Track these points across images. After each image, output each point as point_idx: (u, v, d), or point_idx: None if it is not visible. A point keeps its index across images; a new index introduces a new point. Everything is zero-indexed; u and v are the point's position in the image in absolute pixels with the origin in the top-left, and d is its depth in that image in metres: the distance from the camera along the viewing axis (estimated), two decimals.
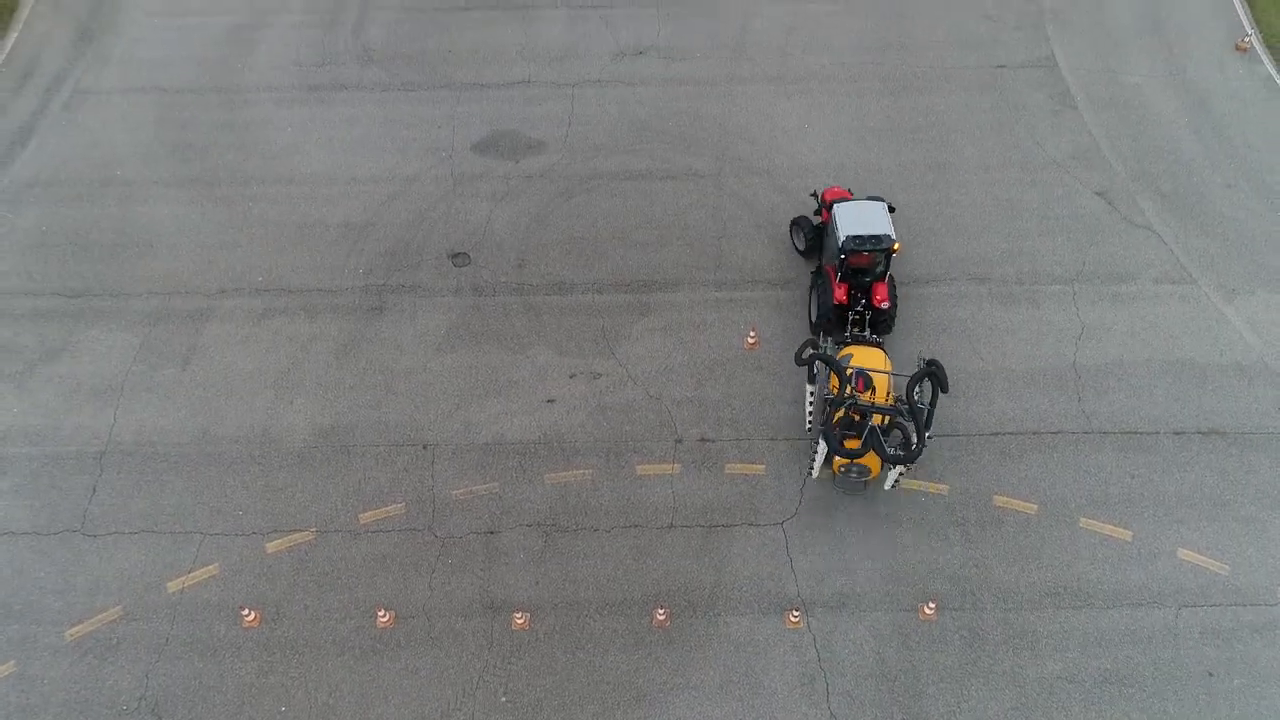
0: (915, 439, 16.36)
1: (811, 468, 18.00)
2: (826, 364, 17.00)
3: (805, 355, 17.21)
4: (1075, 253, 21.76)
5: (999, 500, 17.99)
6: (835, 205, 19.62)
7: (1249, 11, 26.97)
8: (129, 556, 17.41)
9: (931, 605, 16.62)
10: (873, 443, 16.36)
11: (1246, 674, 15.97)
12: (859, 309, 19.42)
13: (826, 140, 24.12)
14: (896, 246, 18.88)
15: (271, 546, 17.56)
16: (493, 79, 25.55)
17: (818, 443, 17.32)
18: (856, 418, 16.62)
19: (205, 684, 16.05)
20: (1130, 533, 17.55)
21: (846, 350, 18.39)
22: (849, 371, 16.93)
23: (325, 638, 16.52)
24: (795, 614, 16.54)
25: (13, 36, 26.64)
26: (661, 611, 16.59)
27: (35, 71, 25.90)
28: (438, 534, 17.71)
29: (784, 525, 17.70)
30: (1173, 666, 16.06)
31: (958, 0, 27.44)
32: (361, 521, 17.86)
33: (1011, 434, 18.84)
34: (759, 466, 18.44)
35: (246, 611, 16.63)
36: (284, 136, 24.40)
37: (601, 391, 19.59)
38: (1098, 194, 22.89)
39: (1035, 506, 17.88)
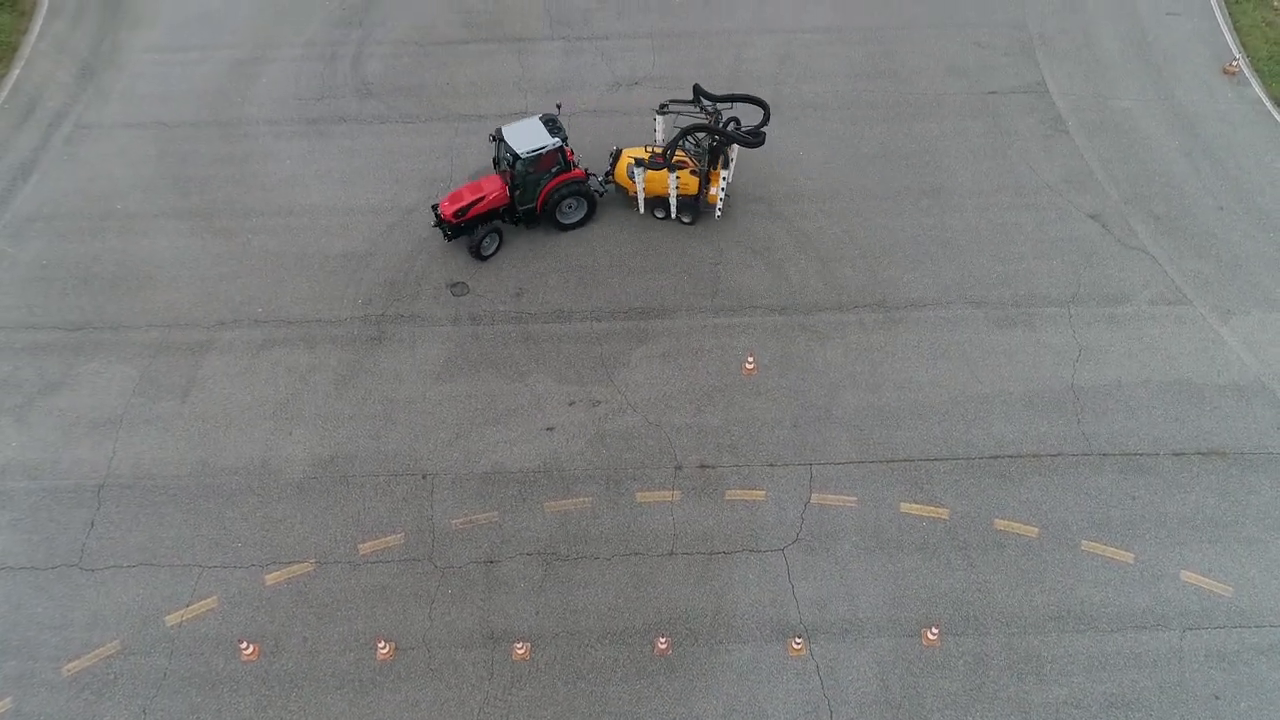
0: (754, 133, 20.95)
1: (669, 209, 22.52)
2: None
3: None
4: (1070, 275, 21.88)
5: (1000, 524, 17.94)
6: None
7: (1236, 36, 27.34)
8: (127, 590, 17.31)
9: (934, 631, 16.52)
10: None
11: (1254, 696, 15.85)
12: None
13: (821, 166, 24.33)
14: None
15: (270, 578, 17.47)
16: (490, 110, 25.81)
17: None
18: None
19: (203, 719, 15.88)
20: (1132, 555, 17.48)
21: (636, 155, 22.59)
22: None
23: (325, 671, 16.39)
24: (798, 641, 16.44)
25: (15, 73, 26.95)
26: (663, 640, 16.48)
27: (37, 107, 26.17)
28: (437, 564, 17.63)
29: (785, 551, 17.64)
30: (1179, 690, 15.93)
31: (948, 28, 27.82)
32: (361, 552, 17.79)
33: (1011, 457, 18.84)
34: (759, 492, 18.40)
35: (245, 645, 16.51)
36: (283, 169, 24.61)
37: (601, 419, 19.60)
38: (1091, 217, 23.06)
39: (1036, 530, 17.83)
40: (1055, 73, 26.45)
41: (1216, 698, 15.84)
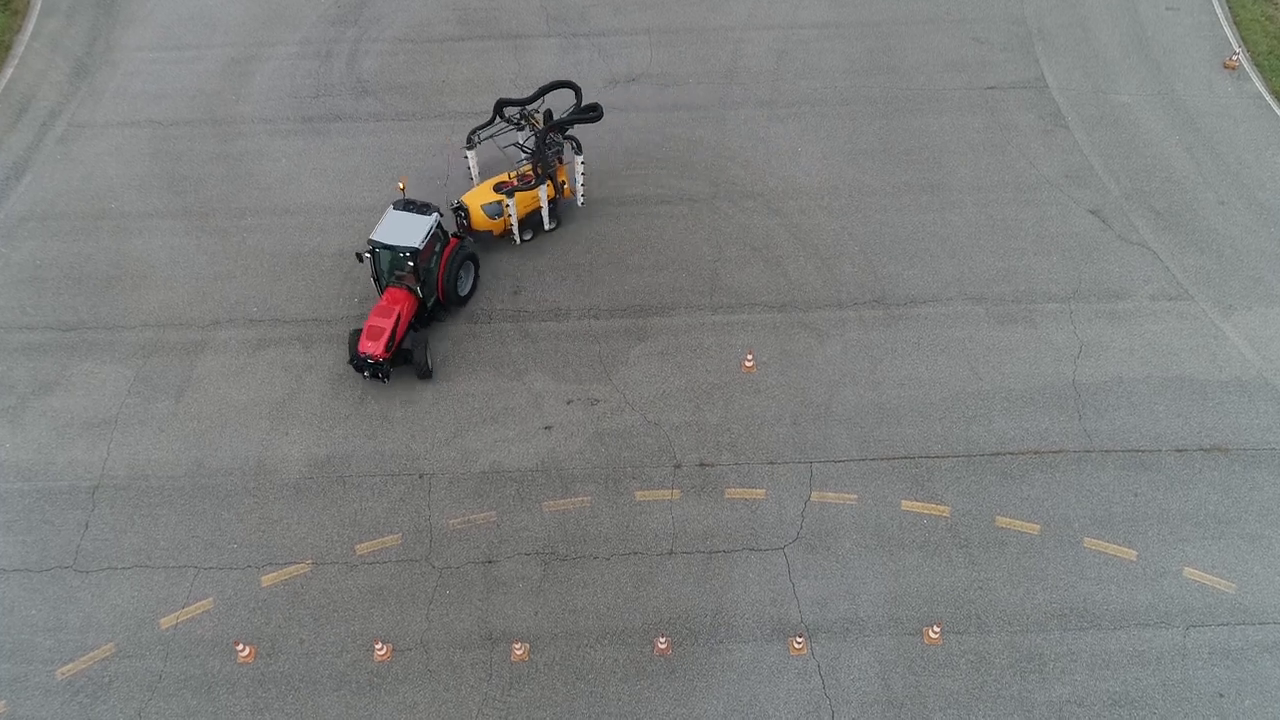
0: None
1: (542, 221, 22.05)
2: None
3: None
4: (1071, 271, 21.76)
5: (1001, 521, 17.82)
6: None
7: (1236, 30, 27.23)
8: (122, 592, 17.16)
9: (936, 629, 16.40)
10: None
11: (1258, 694, 15.73)
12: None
13: (819, 163, 24.20)
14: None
15: (267, 580, 17.33)
16: (487, 108, 25.41)
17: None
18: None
19: None
20: (1135, 552, 17.37)
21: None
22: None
23: (321, 672, 16.25)
24: (799, 640, 16.31)
25: (8, 72, 26.76)
26: (663, 640, 16.35)
27: (30, 106, 25.99)
28: (435, 564, 17.49)
29: (785, 550, 17.51)
30: (1182, 688, 15.82)
31: (946, 23, 27.69)
32: (358, 553, 17.64)
33: (1012, 454, 18.71)
34: (759, 491, 18.27)
35: (241, 647, 16.36)
36: (279, 167, 24.45)
37: (599, 417, 19.46)
38: (1091, 212, 22.94)
39: (1038, 527, 17.71)
40: (1054, 67, 26.33)
41: (1221, 695, 15.73)
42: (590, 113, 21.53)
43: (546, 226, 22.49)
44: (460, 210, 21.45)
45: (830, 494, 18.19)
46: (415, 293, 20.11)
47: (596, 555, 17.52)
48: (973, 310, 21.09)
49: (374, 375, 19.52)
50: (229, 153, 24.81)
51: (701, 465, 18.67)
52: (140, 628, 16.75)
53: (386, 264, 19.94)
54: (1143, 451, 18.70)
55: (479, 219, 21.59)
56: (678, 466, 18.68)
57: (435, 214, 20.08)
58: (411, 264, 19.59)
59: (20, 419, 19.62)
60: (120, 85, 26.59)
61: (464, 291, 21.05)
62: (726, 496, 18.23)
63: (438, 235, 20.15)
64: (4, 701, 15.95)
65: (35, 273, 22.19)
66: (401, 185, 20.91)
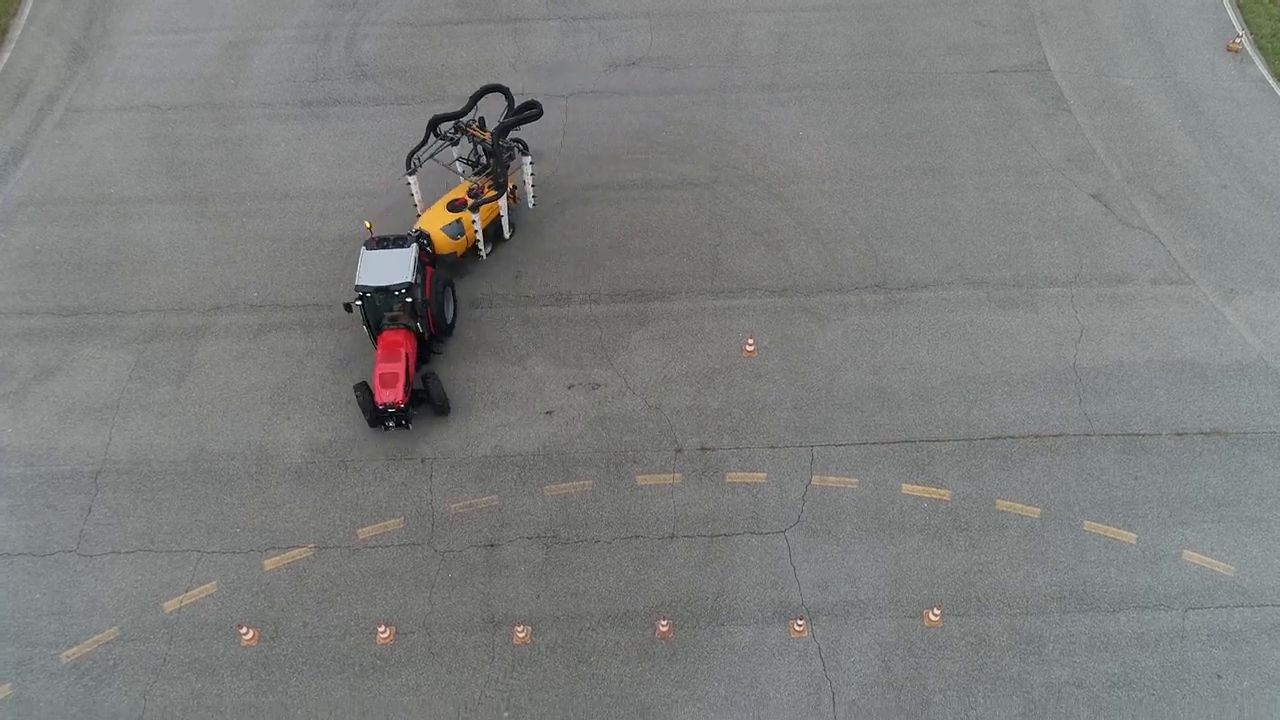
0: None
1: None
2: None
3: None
4: (1072, 255, 21.73)
5: (1002, 504, 17.87)
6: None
7: (1239, 13, 27.07)
8: (125, 576, 17.23)
9: (936, 611, 16.48)
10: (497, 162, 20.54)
11: (1256, 675, 15.83)
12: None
13: (821, 147, 24.12)
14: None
15: (269, 564, 17.39)
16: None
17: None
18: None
19: (204, 704, 15.84)
20: (1134, 535, 17.43)
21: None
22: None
23: (325, 655, 16.34)
24: (800, 623, 16.40)
25: (5, 56, 26.61)
26: (665, 623, 16.43)
27: (28, 91, 25.87)
28: (437, 548, 17.55)
29: (786, 533, 17.57)
30: (1181, 669, 15.92)
31: (948, 6, 27.52)
32: (360, 537, 17.70)
33: (1013, 438, 18.75)
34: (760, 475, 18.32)
35: (245, 630, 16.45)
36: (278, 152, 24.36)
37: (600, 402, 19.48)
38: (1093, 196, 22.89)
39: (1038, 510, 17.77)
40: (1057, 51, 26.19)
41: (1219, 677, 15.83)
42: (529, 110, 20.90)
43: (506, 235, 21.86)
44: (423, 238, 20.36)
45: (831, 478, 18.24)
46: (415, 329, 19.25)
47: (598, 539, 17.58)
48: (974, 294, 21.08)
49: (398, 424, 18.66)
50: (228, 137, 24.72)
51: (702, 449, 18.70)
52: (144, 611, 16.83)
53: (379, 307, 18.94)
54: (1143, 435, 18.74)
55: (442, 242, 20.66)
56: (679, 451, 18.71)
57: (414, 243, 19.23)
58: (410, 299, 18.73)
59: (22, 404, 19.63)
60: (118, 69, 26.45)
61: (449, 319, 20.27)
62: (727, 480, 18.28)
63: (421, 264, 19.35)
64: (9, 685, 16.05)
65: (35, 258, 22.15)
66: (369, 225, 19.74)
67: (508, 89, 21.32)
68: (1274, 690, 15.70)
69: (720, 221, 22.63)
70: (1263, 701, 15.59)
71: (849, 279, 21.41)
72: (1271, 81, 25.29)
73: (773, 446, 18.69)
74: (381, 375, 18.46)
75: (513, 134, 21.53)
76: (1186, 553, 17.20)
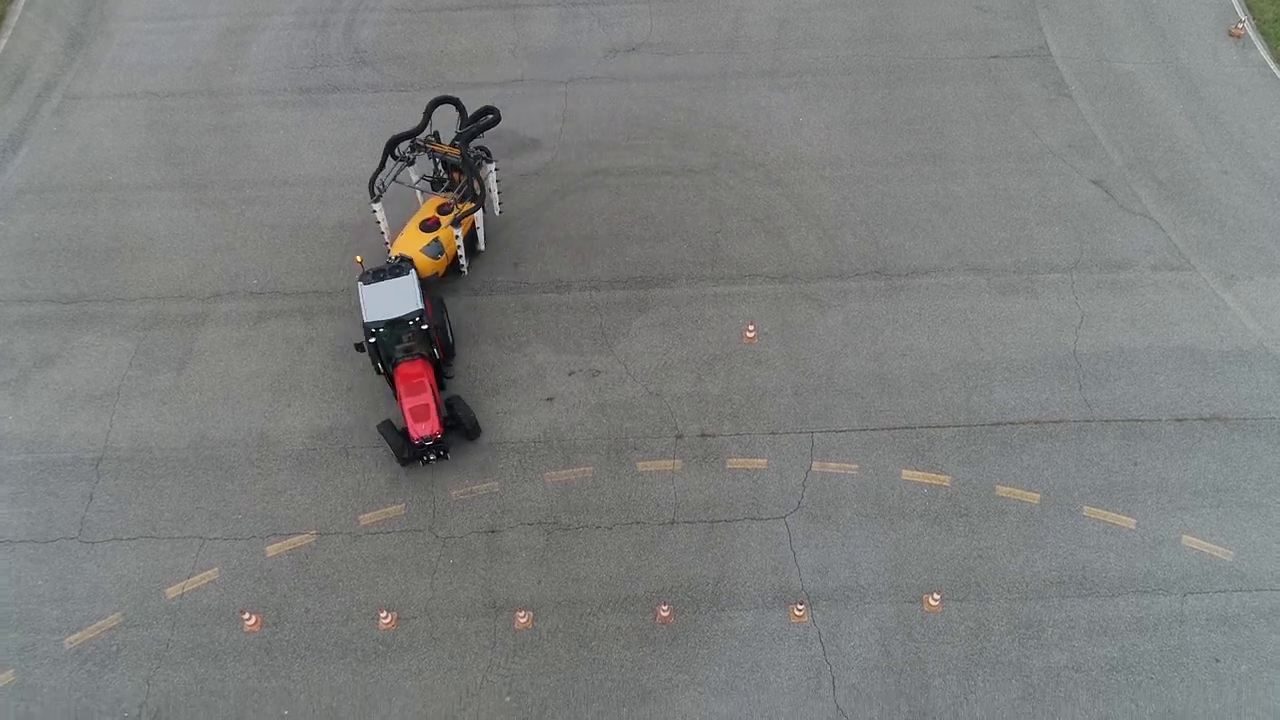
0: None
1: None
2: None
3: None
4: (1073, 241, 21.71)
5: (1001, 490, 17.91)
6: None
7: None
8: (127, 563, 17.28)
9: (936, 596, 16.54)
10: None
11: (1254, 659, 15.91)
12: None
13: (821, 133, 24.05)
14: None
15: (271, 550, 17.44)
16: (486, 78, 25.44)
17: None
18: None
19: (207, 689, 15.92)
20: (1134, 521, 17.48)
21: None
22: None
23: (327, 640, 16.40)
24: (800, 608, 16.46)
25: (2, 42, 26.48)
26: (665, 608, 16.49)
27: (25, 78, 25.76)
28: (438, 534, 17.59)
29: (787, 519, 17.62)
30: (1179, 653, 15.99)
31: None
32: (361, 523, 17.74)
33: (1013, 424, 18.77)
34: (760, 461, 18.35)
35: (247, 615, 16.51)
36: (277, 139, 24.28)
37: (601, 389, 19.49)
38: (1094, 182, 22.84)
39: (1038, 496, 17.81)
40: (1058, 36, 26.08)
41: (1216, 660, 15.91)
42: (487, 115, 20.19)
43: (481, 246, 21.31)
44: (401, 263, 18.98)
45: (831, 464, 18.27)
46: (431, 356, 18.55)
47: (599, 525, 17.62)
48: (974, 281, 21.06)
49: (438, 456, 18.04)
50: (226, 124, 24.63)
51: (703, 436, 18.73)
52: (146, 597, 16.88)
53: (389, 341, 18.10)
54: (1143, 421, 18.77)
55: (424, 264, 19.96)
56: (679, 437, 18.74)
57: (411, 268, 18.45)
58: (425, 327, 17.93)
59: (23, 392, 19.64)
60: (116, 56, 26.34)
61: (451, 339, 19.70)
62: (728, 466, 18.31)
63: (422, 288, 18.49)
64: (13, 671, 16.12)
65: (34, 245, 22.12)
66: (359, 259, 19.21)
67: (458, 99, 20.37)
68: (1271, 674, 15.79)
69: (720, 208, 22.59)
70: (1260, 685, 15.68)
71: (849, 265, 21.39)
72: (1273, 66, 25.19)
73: (773, 432, 18.72)
74: (412, 410, 17.68)
75: (475, 141, 20.63)
76: (1186, 538, 17.26)
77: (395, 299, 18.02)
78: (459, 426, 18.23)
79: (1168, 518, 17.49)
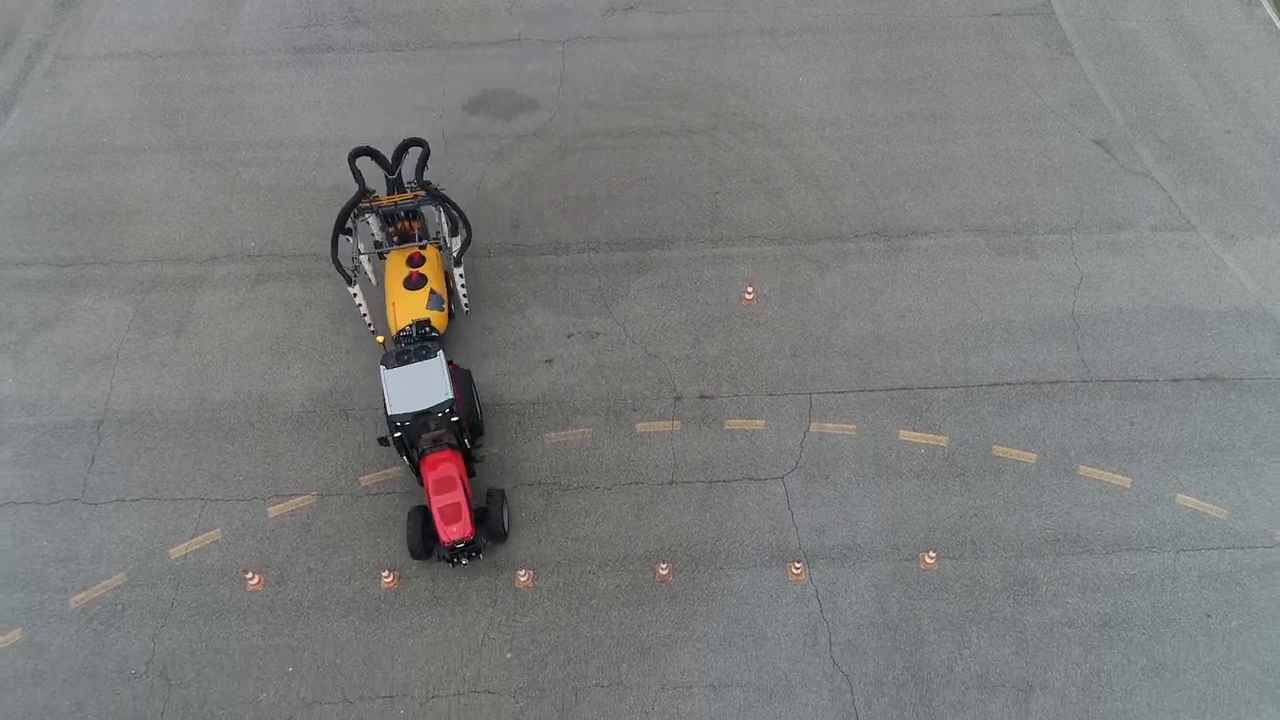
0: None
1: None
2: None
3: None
4: (1073, 202, 21.61)
5: (998, 450, 18.02)
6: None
7: None
8: (130, 524, 17.42)
9: (932, 554, 16.72)
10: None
11: (1244, 615, 16.13)
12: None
13: (821, 92, 23.83)
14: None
15: (273, 511, 17.58)
16: (482, 37, 25.14)
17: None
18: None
19: (212, 647, 16.14)
20: (1129, 480, 17.61)
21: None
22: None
23: (330, 599, 16.60)
24: (797, 566, 16.64)
25: None
26: (664, 566, 16.67)
27: (15, 39, 25.44)
28: None
29: (784, 479, 17.74)
30: (1171, 610, 16.20)
31: None
32: (363, 484, 17.86)
33: (1010, 384, 18.84)
34: (759, 422, 18.43)
35: (250, 575, 16.69)
36: (271, 100, 24.05)
37: (599, 350, 19.52)
38: (1096, 142, 22.68)
39: (1034, 456, 17.93)
40: None
41: (1208, 616, 16.13)
42: (412, 148, 18.26)
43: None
44: (425, 326, 17.95)
45: (829, 424, 18.36)
46: (462, 445, 16.66)
47: (598, 485, 17.75)
48: (974, 242, 21.00)
49: (470, 558, 16.47)
50: (220, 85, 24.38)
51: (701, 397, 18.80)
52: (150, 558, 17.05)
53: (417, 434, 16.30)
54: (1140, 381, 18.83)
55: (439, 321, 18.37)
56: (678, 398, 18.81)
57: (439, 350, 16.60)
58: (456, 418, 16.18)
59: (22, 355, 19.66)
60: (106, 15, 25.98)
61: (480, 417, 17.93)
62: (726, 427, 18.40)
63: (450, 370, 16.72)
64: (20, 630, 16.33)
65: (29, 208, 22.00)
66: (380, 339, 17.48)
67: (372, 148, 18.07)
68: (1261, 628, 16.02)
69: (719, 169, 22.44)
70: (1250, 640, 15.91)
71: (849, 226, 21.32)
72: (1279, 24, 24.89)
73: (771, 394, 18.79)
74: (441, 510, 15.82)
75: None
76: (1180, 496, 17.40)
77: (422, 387, 16.10)
78: (485, 523, 16.57)
79: (1163, 477, 17.62)
